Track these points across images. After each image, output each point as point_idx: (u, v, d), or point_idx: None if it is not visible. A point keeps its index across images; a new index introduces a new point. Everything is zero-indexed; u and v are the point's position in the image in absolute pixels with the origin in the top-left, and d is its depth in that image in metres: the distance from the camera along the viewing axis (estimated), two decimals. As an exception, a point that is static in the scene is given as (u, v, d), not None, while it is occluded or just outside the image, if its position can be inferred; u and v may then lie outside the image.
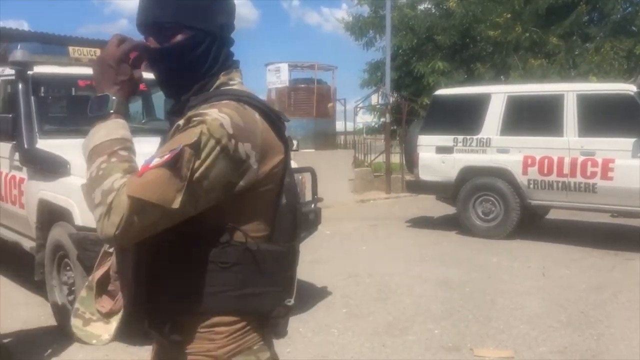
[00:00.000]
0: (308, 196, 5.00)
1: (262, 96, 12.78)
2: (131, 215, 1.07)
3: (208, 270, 1.18)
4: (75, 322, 1.33)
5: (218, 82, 1.28)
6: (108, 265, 1.33)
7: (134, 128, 1.33)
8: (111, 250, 1.31)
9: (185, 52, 1.24)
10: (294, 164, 4.78)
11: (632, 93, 6.84)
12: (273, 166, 1.22)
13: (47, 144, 4.38)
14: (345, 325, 4.41)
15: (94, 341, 1.31)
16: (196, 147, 1.10)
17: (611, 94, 7.14)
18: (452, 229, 8.28)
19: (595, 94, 7.27)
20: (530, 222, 8.18)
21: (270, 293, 1.26)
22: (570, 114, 7.17)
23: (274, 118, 1.25)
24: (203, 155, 1.10)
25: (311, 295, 5.12)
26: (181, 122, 1.18)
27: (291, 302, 1.32)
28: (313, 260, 6.28)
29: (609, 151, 6.86)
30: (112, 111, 1.20)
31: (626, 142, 6.74)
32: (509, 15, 13.51)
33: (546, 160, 7.26)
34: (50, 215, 4.19)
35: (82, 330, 1.32)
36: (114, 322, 1.29)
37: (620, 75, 12.17)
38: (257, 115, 1.21)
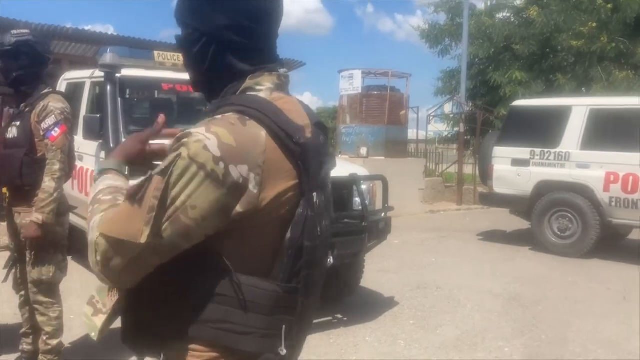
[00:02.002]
0: (378, 205, 4.97)
1: (335, 103, 12.82)
2: (106, 252, 1.04)
3: (192, 297, 1.08)
4: (87, 310, 1.29)
5: (244, 86, 1.17)
6: None
7: None
8: None
9: (187, 50, 1.20)
10: (363, 172, 4.82)
11: None
12: (280, 192, 1.08)
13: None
14: (413, 337, 4.35)
15: (93, 334, 1.27)
16: (165, 173, 1.02)
17: None
18: (525, 244, 8.00)
19: (686, 109, 6.85)
20: (611, 242, 7.79)
21: (257, 334, 1.10)
22: (658, 129, 6.78)
23: (283, 137, 1.08)
24: (183, 181, 1.01)
25: (379, 305, 5.09)
26: (169, 142, 1.10)
27: (283, 351, 1.12)
28: (381, 270, 6.26)
29: (700, 170, 6.43)
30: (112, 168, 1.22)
31: None
32: (594, 25, 12.95)
33: (631, 178, 6.89)
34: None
35: (89, 319, 1.27)
36: (99, 321, 1.25)
37: None
38: (263, 132, 1.08)
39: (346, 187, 4.53)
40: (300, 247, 1.11)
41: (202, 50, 1.16)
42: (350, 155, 10.92)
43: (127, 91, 5.45)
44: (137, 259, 1.04)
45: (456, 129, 14.66)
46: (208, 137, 1.02)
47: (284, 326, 1.12)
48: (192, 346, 1.11)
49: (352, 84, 11.20)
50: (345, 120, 11.68)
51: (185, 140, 1.03)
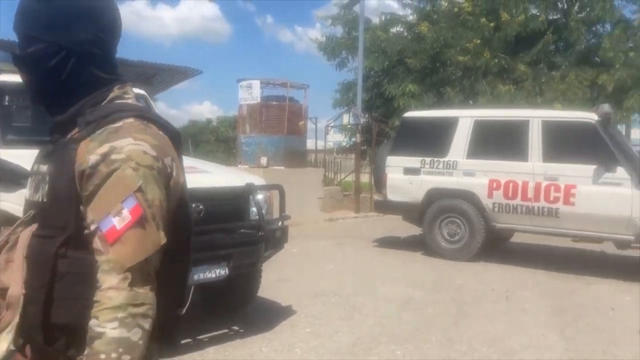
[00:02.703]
0: (276, 214, 4.98)
1: (235, 112, 12.78)
2: (141, 275, 1.11)
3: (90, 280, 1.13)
4: None
5: (112, 95, 1.27)
6: None
7: None
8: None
9: (37, 64, 1.23)
10: (260, 181, 4.81)
11: (593, 122, 7.04)
12: (182, 180, 1.28)
13: (9, 154, 4.28)
14: (309, 345, 4.38)
15: None
16: (139, 186, 1.13)
17: (574, 121, 7.34)
18: (418, 249, 8.34)
19: (558, 121, 7.47)
20: (495, 245, 8.31)
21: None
22: (535, 139, 7.34)
23: (174, 136, 1.28)
24: (149, 187, 1.14)
25: (276, 314, 5.08)
26: (91, 158, 1.14)
27: (182, 311, 1.32)
28: (280, 279, 6.25)
29: (571, 177, 7.03)
30: None
31: (587, 169, 6.92)
32: (478, 41, 13.82)
33: (511, 185, 7.40)
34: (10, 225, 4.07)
35: None
36: (4, 341, 1.20)
37: (584, 103, 12.51)
38: (161, 131, 1.25)
39: (242, 196, 4.50)
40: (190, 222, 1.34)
41: (60, 63, 1.22)
42: (250, 165, 10.89)
43: (6, 98, 5.09)
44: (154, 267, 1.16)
45: (353, 139, 15.05)
46: (140, 143, 1.15)
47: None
48: None
49: (250, 93, 11.19)
50: (245, 130, 11.64)
51: (123, 155, 1.13)
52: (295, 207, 9.01)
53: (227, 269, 4.18)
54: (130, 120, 1.20)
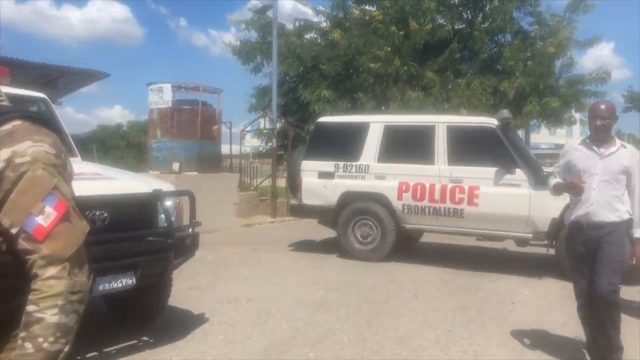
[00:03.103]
0: (186, 220, 4.88)
1: (146, 116, 12.41)
2: (76, 263, 1.20)
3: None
4: None
5: None
6: None
7: None
8: None
9: None
10: (169, 187, 4.71)
11: (493, 126, 7.44)
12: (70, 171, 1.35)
13: None
14: (221, 352, 4.32)
15: None
16: (54, 184, 1.21)
17: (476, 126, 7.74)
18: (333, 252, 8.46)
19: (462, 126, 7.84)
20: (406, 245, 8.58)
21: None
22: (441, 143, 7.66)
23: (53, 127, 1.33)
24: (60, 183, 1.22)
25: (188, 323, 4.98)
26: None
27: None
28: (192, 287, 6.14)
29: (474, 179, 7.40)
30: None
31: (489, 171, 7.30)
32: (389, 49, 14.23)
33: (419, 187, 7.67)
34: None
35: None
36: None
37: (488, 109, 13.19)
38: (46, 128, 1.30)
39: (149, 203, 4.38)
40: None
41: None
42: (162, 171, 10.61)
43: None
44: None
45: (270, 144, 15.05)
46: (40, 144, 1.21)
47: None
48: None
49: (161, 97, 10.91)
50: (156, 135, 11.33)
51: (26, 158, 1.17)
52: (209, 213, 8.89)
53: (134, 278, 4.05)
54: (18, 122, 1.22)
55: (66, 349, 1.15)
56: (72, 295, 1.15)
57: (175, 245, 4.35)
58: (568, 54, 14.98)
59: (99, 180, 4.34)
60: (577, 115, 17.09)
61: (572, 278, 4.22)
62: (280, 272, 7.28)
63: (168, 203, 4.47)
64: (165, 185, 4.77)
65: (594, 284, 3.82)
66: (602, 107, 3.91)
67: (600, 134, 3.89)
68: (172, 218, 4.42)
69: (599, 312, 3.88)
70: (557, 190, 4.12)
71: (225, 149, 14.23)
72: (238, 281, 6.71)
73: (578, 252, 3.98)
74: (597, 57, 65.07)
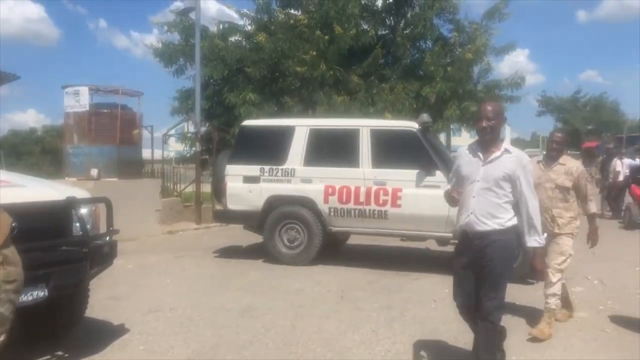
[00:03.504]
0: (103, 228, 4.69)
1: (61, 120, 11.84)
2: (12, 259, 1.30)
3: None
4: None
5: None
6: None
7: None
8: None
9: None
10: (84, 194, 4.51)
11: (414, 130, 7.64)
12: None
13: None
14: (142, 364, 4.18)
15: None
16: None
17: (398, 130, 7.92)
18: (259, 257, 8.39)
19: (385, 129, 8.00)
20: (333, 248, 8.64)
21: None
22: (365, 147, 7.79)
23: None
24: None
25: (106, 334, 4.78)
26: None
27: None
28: (111, 297, 5.93)
29: (397, 181, 7.57)
30: None
31: (411, 173, 7.49)
32: (314, 53, 14.31)
33: (345, 190, 7.76)
34: None
35: None
36: None
37: (411, 113, 13.51)
38: None
39: (63, 211, 4.17)
40: None
41: None
42: (79, 178, 10.17)
43: None
44: None
45: (194, 148, 14.75)
46: None
47: None
48: None
49: (78, 100, 10.46)
50: (73, 140, 10.84)
51: None
52: (131, 220, 8.62)
53: (46, 290, 3.84)
54: None
55: (1, 338, 1.17)
56: (7, 285, 1.17)
57: (91, 255, 4.17)
58: (485, 60, 15.58)
59: (6, 188, 4.08)
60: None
61: (453, 291, 3.94)
62: (205, 279, 7.14)
63: (83, 211, 4.29)
64: (80, 193, 4.56)
65: (478, 300, 3.65)
66: (489, 107, 3.68)
67: (486, 136, 3.66)
68: (88, 226, 4.24)
69: (477, 329, 3.74)
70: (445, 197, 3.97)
71: (146, 153, 13.82)
72: (160, 290, 6.52)
73: (461, 263, 3.77)
74: (513, 63, 68.54)
